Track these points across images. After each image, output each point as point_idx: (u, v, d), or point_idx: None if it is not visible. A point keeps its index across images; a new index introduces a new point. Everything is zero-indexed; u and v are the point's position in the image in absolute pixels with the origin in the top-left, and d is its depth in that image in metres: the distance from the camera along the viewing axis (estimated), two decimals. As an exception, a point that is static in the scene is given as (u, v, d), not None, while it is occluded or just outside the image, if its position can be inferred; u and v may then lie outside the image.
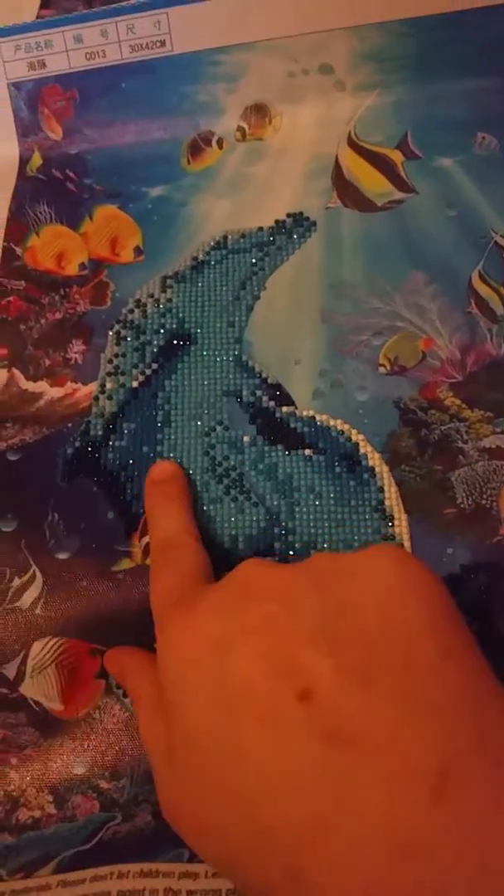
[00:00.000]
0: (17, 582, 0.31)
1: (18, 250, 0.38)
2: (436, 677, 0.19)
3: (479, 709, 0.19)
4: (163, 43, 0.38)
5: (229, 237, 0.38)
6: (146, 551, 0.30)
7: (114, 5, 0.37)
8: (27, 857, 0.27)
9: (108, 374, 0.35)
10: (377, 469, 0.31)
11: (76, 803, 0.27)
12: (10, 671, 0.29)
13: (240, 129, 0.39)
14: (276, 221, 0.38)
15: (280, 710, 0.19)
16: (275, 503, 0.31)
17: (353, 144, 0.38)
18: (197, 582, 0.25)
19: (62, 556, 0.31)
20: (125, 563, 0.30)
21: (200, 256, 0.37)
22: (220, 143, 0.39)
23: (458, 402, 0.32)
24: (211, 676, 0.20)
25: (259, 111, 0.39)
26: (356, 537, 0.30)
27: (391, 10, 0.35)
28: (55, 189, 0.40)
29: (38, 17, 0.42)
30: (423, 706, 0.18)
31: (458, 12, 0.35)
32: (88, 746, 0.28)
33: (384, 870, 0.16)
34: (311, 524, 0.30)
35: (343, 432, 0.32)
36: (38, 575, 0.31)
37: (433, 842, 0.16)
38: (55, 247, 0.38)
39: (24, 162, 0.41)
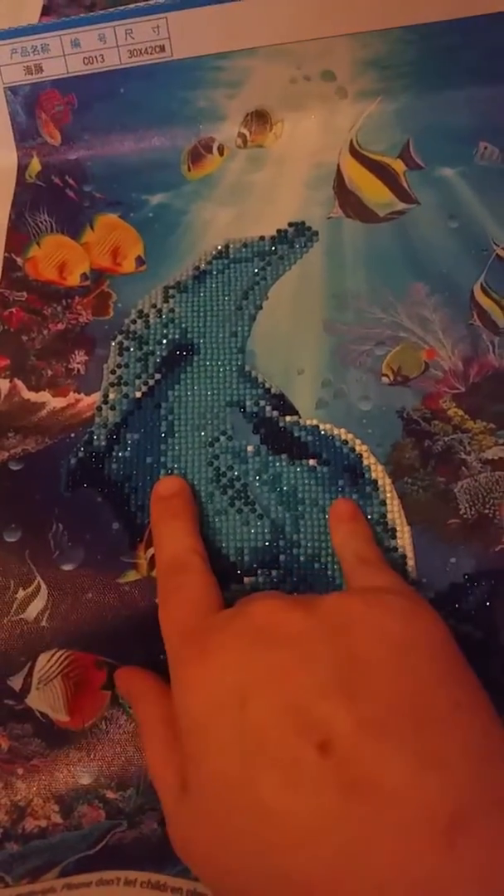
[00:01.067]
0: (21, 593, 0.31)
1: (19, 261, 0.38)
2: (449, 728, 0.19)
3: (490, 758, 0.19)
4: (162, 48, 0.37)
5: (231, 246, 0.38)
6: (152, 563, 0.31)
7: (112, 9, 0.37)
8: (33, 863, 0.27)
9: (111, 384, 0.35)
10: (380, 482, 0.31)
11: (82, 813, 0.28)
12: (17, 683, 0.29)
13: (241, 135, 0.39)
14: (278, 231, 0.38)
15: (299, 761, 0.19)
16: (279, 515, 0.31)
17: (354, 153, 0.38)
18: (205, 611, 0.25)
19: (67, 567, 0.31)
20: (131, 575, 0.31)
21: (202, 266, 0.37)
22: (220, 150, 0.39)
23: (461, 413, 0.33)
24: (229, 726, 0.21)
25: (260, 118, 0.39)
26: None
27: (394, 18, 0.35)
28: (55, 197, 0.40)
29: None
30: (437, 756, 0.19)
31: (460, 20, 0.35)
32: (94, 757, 0.28)
33: None
34: (316, 537, 0.30)
35: (347, 442, 0.32)
36: (43, 586, 0.31)
37: (446, 889, 0.17)
38: (57, 257, 0.38)
39: (22, 168, 0.41)
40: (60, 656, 0.29)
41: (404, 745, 0.19)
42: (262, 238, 0.38)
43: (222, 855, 0.20)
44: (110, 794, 0.28)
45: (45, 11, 0.42)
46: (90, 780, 0.28)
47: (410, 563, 0.30)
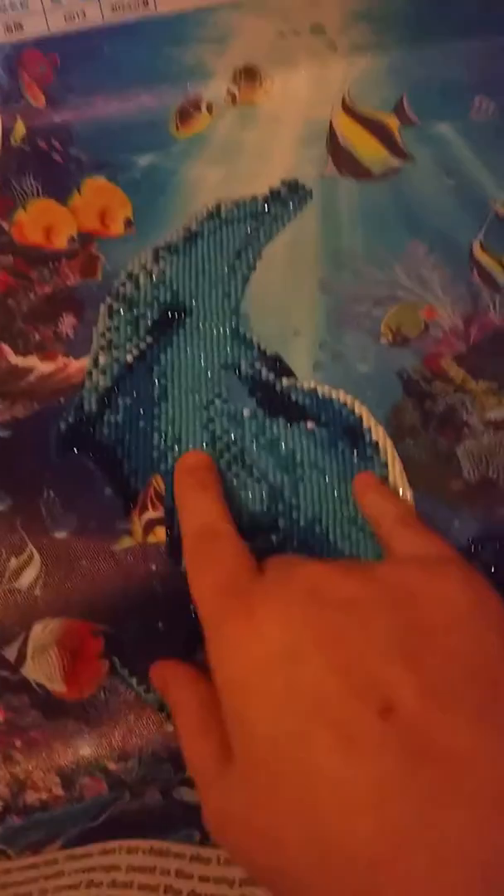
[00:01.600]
0: (13, 562, 0.30)
1: (5, 225, 0.37)
2: None
3: None
4: (145, 3, 0.36)
5: (223, 207, 0.37)
6: (147, 529, 0.30)
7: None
8: (35, 836, 0.27)
9: (101, 348, 0.34)
10: (381, 444, 0.31)
11: (84, 784, 0.27)
12: (11, 653, 0.29)
13: (230, 93, 0.38)
14: (271, 190, 0.37)
15: (359, 724, 0.19)
16: (278, 479, 0.30)
17: (347, 109, 0.37)
18: (246, 575, 0.24)
19: (60, 534, 0.30)
20: (126, 542, 0.30)
21: (193, 227, 0.36)
22: (209, 108, 0.38)
23: (462, 373, 0.32)
24: (280, 685, 0.20)
25: (249, 74, 0.38)
26: (360, 514, 0.29)
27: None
28: (41, 161, 0.39)
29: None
30: None
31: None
32: (94, 727, 0.28)
33: (467, 893, 0.16)
34: (315, 501, 0.30)
35: (346, 404, 0.32)
36: (36, 555, 0.30)
37: None
38: (43, 221, 0.37)
39: (6, 132, 0.39)
40: (55, 625, 0.29)
41: (473, 715, 0.18)
42: (254, 197, 0.37)
43: (269, 825, 0.19)
44: (112, 766, 0.27)
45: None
46: (91, 752, 0.28)
47: (412, 526, 0.30)
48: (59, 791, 0.27)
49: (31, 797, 0.27)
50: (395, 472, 0.30)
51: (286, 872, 0.19)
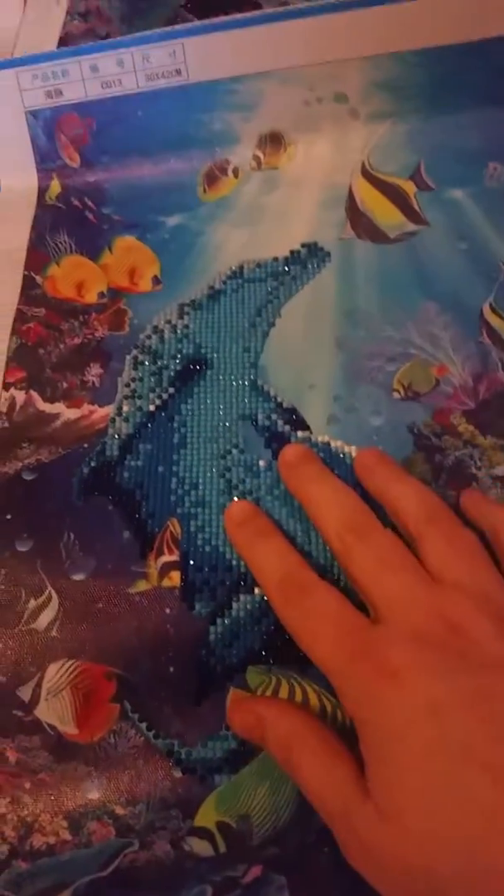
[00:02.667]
0: (32, 603, 0.31)
1: (38, 279, 0.39)
2: None
3: None
4: (178, 72, 0.38)
5: (245, 267, 0.38)
6: (162, 572, 0.30)
7: (129, 35, 0.38)
8: (42, 883, 0.26)
9: (126, 397, 0.35)
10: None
11: (91, 829, 0.27)
12: (26, 694, 0.29)
13: (255, 157, 0.40)
14: (291, 251, 0.38)
15: None
16: (291, 529, 0.31)
17: (366, 174, 0.39)
18: (360, 624, 0.25)
19: (78, 577, 0.31)
20: (141, 585, 0.30)
21: (217, 285, 0.38)
22: (235, 172, 0.40)
23: (471, 428, 0.33)
24: (431, 734, 0.21)
25: (274, 140, 0.40)
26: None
27: (405, 41, 0.36)
28: (74, 219, 0.41)
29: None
30: None
31: (470, 42, 0.36)
32: (103, 771, 0.28)
33: None
34: (328, 551, 0.30)
35: (358, 458, 0.32)
36: (55, 596, 0.31)
37: None
38: (75, 276, 0.39)
39: (42, 190, 0.42)
40: (70, 667, 0.29)
41: None
42: (275, 259, 0.38)
43: (422, 858, 0.20)
44: (119, 810, 0.27)
45: (62, 43, 0.44)
46: (99, 795, 0.28)
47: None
48: (66, 835, 0.27)
49: (37, 840, 0.27)
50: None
51: None
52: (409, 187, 0.39)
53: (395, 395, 0.34)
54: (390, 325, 0.35)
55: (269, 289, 0.37)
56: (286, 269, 0.38)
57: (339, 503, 0.28)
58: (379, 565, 0.26)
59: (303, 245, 0.38)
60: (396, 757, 0.22)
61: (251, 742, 0.27)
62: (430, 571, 0.26)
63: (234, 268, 0.38)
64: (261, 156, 0.40)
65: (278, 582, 0.27)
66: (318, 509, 0.29)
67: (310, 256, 0.38)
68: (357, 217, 0.39)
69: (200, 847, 0.26)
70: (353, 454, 0.32)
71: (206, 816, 0.27)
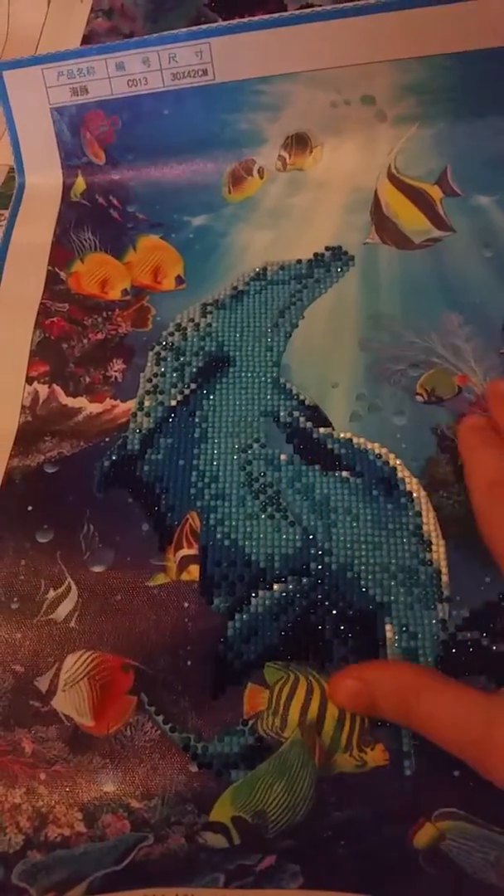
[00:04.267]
0: (52, 594, 0.30)
1: (62, 275, 0.39)
2: None
3: None
4: (205, 72, 0.39)
5: (269, 269, 0.38)
6: (181, 566, 0.30)
7: (156, 34, 0.38)
8: (57, 876, 0.26)
9: (148, 392, 0.35)
10: (415, 493, 0.31)
11: (106, 822, 0.27)
12: (43, 684, 0.29)
13: (280, 158, 0.40)
14: (315, 254, 0.38)
15: None
16: (311, 523, 0.31)
17: (392, 178, 0.39)
18: None
19: (97, 568, 0.31)
20: (160, 578, 0.30)
21: (240, 286, 0.38)
22: (260, 172, 0.40)
23: (494, 434, 0.33)
24: None
25: (300, 141, 0.40)
26: (393, 561, 0.30)
27: (434, 45, 0.36)
28: (99, 216, 0.41)
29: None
30: None
31: (501, 48, 0.36)
32: (119, 764, 0.28)
33: None
34: (348, 546, 0.30)
35: (381, 456, 0.32)
36: (74, 587, 0.30)
37: None
38: (99, 273, 0.39)
39: (67, 187, 0.42)
40: (87, 658, 0.29)
41: None
42: (299, 261, 0.38)
43: None
44: (135, 804, 0.27)
45: (86, 41, 0.44)
46: (114, 788, 0.27)
47: (444, 578, 0.30)
48: (81, 827, 0.27)
49: (52, 832, 0.27)
50: (430, 521, 0.31)
51: None
52: (436, 192, 0.39)
53: (418, 398, 0.34)
54: (413, 332, 0.35)
55: (293, 291, 0.37)
56: (310, 271, 0.38)
57: (492, 466, 0.30)
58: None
59: (327, 248, 0.39)
60: None
61: (359, 712, 0.27)
62: None
63: (257, 269, 0.38)
64: (286, 157, 0.40)
65: (489, 482, 0.29)
66: (469, 469, 0.30)
67: (333, 260, 0.38)
68: (382, 221, 0.39)
69: (215, 841, 0.26)
70: (376, 450, 0.32)
71: (222, 811, 0.26)
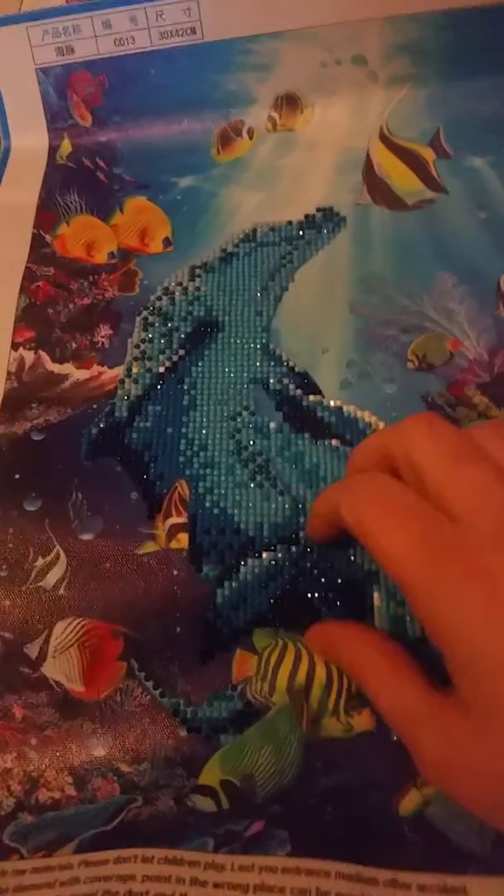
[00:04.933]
0: (40, 562, 0.30)
1: (48, 238, 0.39)
2: None
3: None
4: (193, 30, 0.38)
5: (258, 230, 0.38)
6: (170, 534, 0.30)
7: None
8: (47, 836, 0.26)
9: (135, 358, 0.35)
10: (404, 461, 0.31)
11: (96, 785, 0.27)
12: (33, 651, 0.29)
13: (270, 119, 0.39)
14: (306, 216, 0.38)
15: None
16: (301, 492, 0.31)
17: (384, 139, 0.38)
18: (442, 520, 0.22)
19: (86, 536, 0.31)
20: (149, 546, 0.30)
21: (229, 248, 0.37)
22: (250, 133, 0.39)
23: (485, 400, 0.32)
24: None
25: (290, 101, 0.39)
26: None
27: (428, 2, 0.35)
28: (85, 179, 0.40)
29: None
30: None
31: (495, 6, 0.35)
32: (109, 729, 0.28)
33: None
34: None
35: (370, 425, 0.32)
36: (62, 555, 0.30)
37: None
38: (85, 236, 0.38)
39: (53, 149, 0.41)
40: (77, 625, 0.29)
41: None
42: (289, 222, 0.38)
43: None
44: (125, 767, 0.27)
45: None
46: (104, 752, 0.28)
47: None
48: (71, 791, 0.27)
49: (43, 795, 0.27)
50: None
51: None
52: (428, 154, 0.38)
53: (410, 364, 0.33)
54: (405, 295, 0.35)
55: (283, 253, 0.37)
56: (300, 233, 0.37)
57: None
58: (455, 461, 0.23)
59: (318, 209, 0.38)
60: (499, 672, 0.20)
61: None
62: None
63: (247, 231, 0.38)
64: (276, 117, 0.39)
65: (357, 481, 0.25)
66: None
67: (325, 221, 0.38)
68: (374, 182, 0.38)
69: (204, 804, 0.26)
70: (366, 419, 0.32)
71: (211, 775, 0.27)
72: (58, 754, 0.28)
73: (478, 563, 0.21)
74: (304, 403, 0.33)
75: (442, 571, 0.21)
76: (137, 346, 0.35)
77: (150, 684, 0.28)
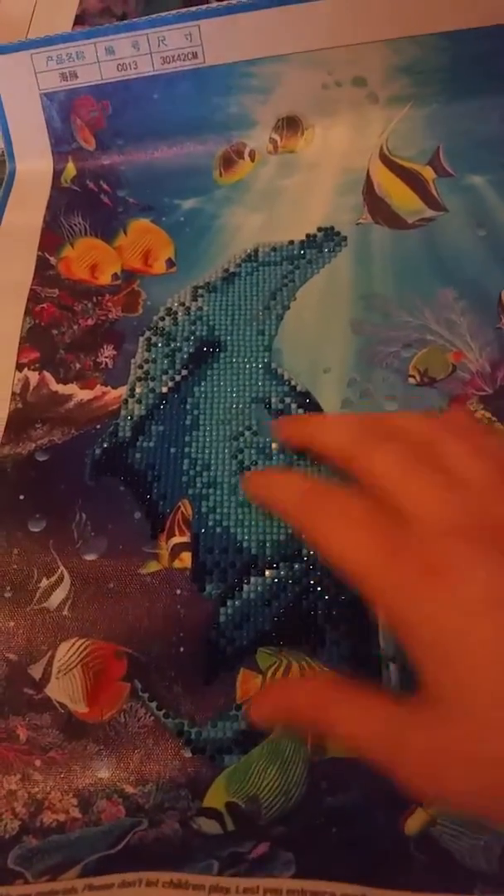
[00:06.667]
0: (45, 583, 0.31)
1: (52, 260, 0.39)
2: None
3: None
4: (195, 55, 0.38)
5: (260, 250, 0.38)
6: (173, 553, 0.30)
7: (145, 17, 0.38)
8: (52, 860, 0.26)
9: (139, 378, 0.35)
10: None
11: (101, 808, 0.27)
12: (37, 672, 0.29)
13: (272, 141, 0.40)
14: (307, 235, 0.38)
15: None
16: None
17: (384, 159, 0.39)
18: (394, 524, 0.23)
19: (90, 557, 0.31)
20: (152, 566, 0.30)
21: (231, 268, 0.38)
22: (252, 155, 0.40)
23: (488, 415, 0.32)
24: (494, 626, 0.20)
25: (291, 123, 0.39)
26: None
27: (426, 24, 0.36)
28: (89, 201, 0.41)
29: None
30: None
31: (493, 27, 0.35)
32: (113, 750, 0.28)
33: None
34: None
35: (372, 441, 0.32)
36: (66, 576, 0.31)
37: None
38: (89, 258, 0.39)
39: (58, 173, 0.42)
40: (81, 645, 0.29)
41: None
42: (291, 242, 0.38)
43: (496, 743, 0.20)
44: (129, 789, 0.27)
45: (78, 21, 0.43)
46: (109, 774, 0.28)
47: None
48: (76, 813, 0.27)
49: (48, 818, 0.27)
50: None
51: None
52: (428, 173, 0.38)
53: (411, 380, 0.34)
54: (406, 311, 0.35)
55: (285, 272, 0.37)
56: (302, 252, 0.38)
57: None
58: (403, 466, 0.24)
59: (319, 229, 0.38)
60: (460, 655, 0.21)
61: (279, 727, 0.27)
62: (453, 472, 0.24)
63: (249, 251, 0.38)
64: (278, 139, 0.40)
65: (299, 498, 0.26)
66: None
67: (326, 240, 0.38)
68: (375, 202, 0.38)
69: (209, 826, 0.26)
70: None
71: (216, 797, 0.27)
72: (62, 776, 0.28)
73: (425, 559, 0.22)
74: (307, 423, 0.33)
75: (400, 576, 0.22)
76: (141, 367, 0.35)
77: (153, 705, 0.28)
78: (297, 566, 0.30)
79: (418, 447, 0.25)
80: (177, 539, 0.31)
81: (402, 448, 0.25)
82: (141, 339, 0.36)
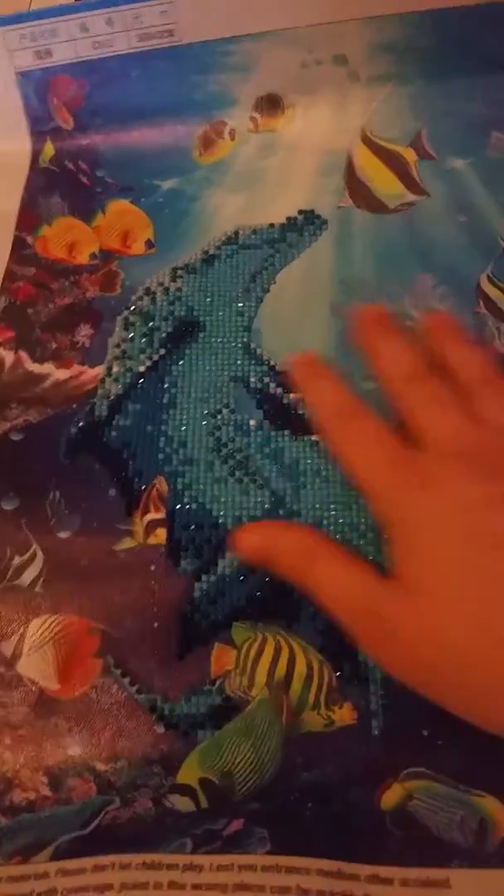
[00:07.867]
0: (17, 560, 0.30)
1: (29, 239, 0.39)
2: None
3: None
4: (171, 33, 0.38)
5: (240, 233, 0.38)
6: (147, 530, 0.30)
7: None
8: (23, 840, 0.26)
9: (116, 357, 0.34)
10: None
11: (72, 785, 0.27)
12: (7, 649, 0.29)
13: (252, 119, 0.39)
14: (288, 218, 0.38)
15: None
16: (280, 486, 0.31)
17: (366, 140, 0.38)
18: (399, 447, 0.26)
19: (63, 534, 0.30)
20: (127, 542, 0.30)
21: (211, 251, 0.37)
22: (231, 134, 0.40)
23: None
24: (464, 525, 0.23)
25: (272, 102, 0.39)
26: (362, 520, 0.29)
27: (409, 2, 0.35)
28: (68, 182, 0.40)
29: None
30: None
31: (477, 6, 0.35)
32: (84, 727, 0.27)
33: None
34: (317, 507, 0.30)
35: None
36: (39, 553, 0.30)
37: None
38: (67, 237, 0.38)
39: (36, 153, 0.41)
40: (52, 622, 0.29)
41: None
42: (271, 225, 0.38)
43: (445, 622, 0.22)
44: (101, 766, 0.27)
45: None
46: (80, 751, 0.27)
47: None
48: (46, 791, 0.27)
49: (18, 796, 0.27)
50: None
51: (479, 696, 0.22)
52: (410, 155, 0.38)
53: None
54: (386, 297, 0.35)
55: (265, 255, 0.37)
56: (282, 235, 0.37)
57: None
58: (434, 402, 0.27)
59: (300, 212, 0.38)
60: (429, 544, 0.23)
61: (256, 566, 0.28)
62: (480, 417, 0.27)
63: (229, 233, 0.38)
64: (258, 118, 0.40)
65: (333, 409, 0.29)
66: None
67: (306, 224, 0.38)
68: (356, 186, 0.38)
69: (182, 804, 0.26)
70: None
71: (189, 773, 0.26)
72: (32, 754, 0.27)
73: (426, 472, 0.25)
74: (285, 401, 0.33)
75: (399, 483, 0.25)
76: (118, 346, 0.35)
77: (126, 681, 0.28)
78: None
79: (457, 386, 0.28)
80: (152, 515, 0.30)
81: (439, 390, 0.28)
82: (119, 318, 0.35)
